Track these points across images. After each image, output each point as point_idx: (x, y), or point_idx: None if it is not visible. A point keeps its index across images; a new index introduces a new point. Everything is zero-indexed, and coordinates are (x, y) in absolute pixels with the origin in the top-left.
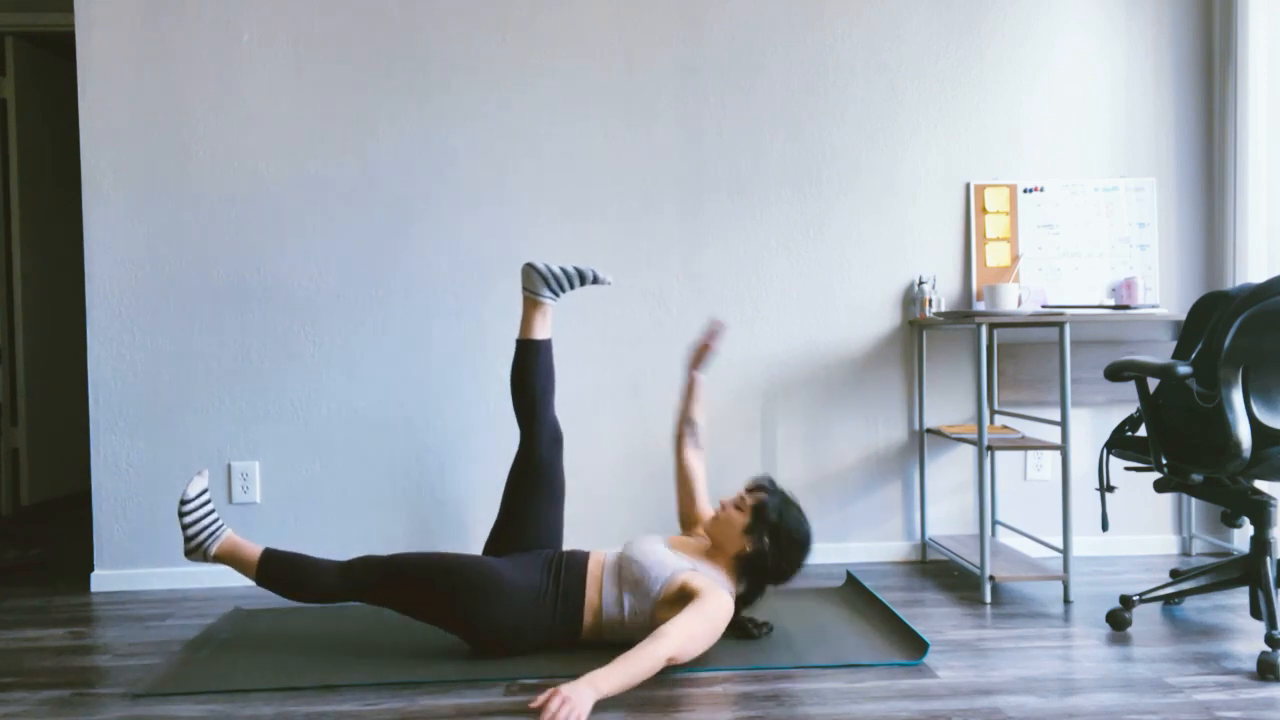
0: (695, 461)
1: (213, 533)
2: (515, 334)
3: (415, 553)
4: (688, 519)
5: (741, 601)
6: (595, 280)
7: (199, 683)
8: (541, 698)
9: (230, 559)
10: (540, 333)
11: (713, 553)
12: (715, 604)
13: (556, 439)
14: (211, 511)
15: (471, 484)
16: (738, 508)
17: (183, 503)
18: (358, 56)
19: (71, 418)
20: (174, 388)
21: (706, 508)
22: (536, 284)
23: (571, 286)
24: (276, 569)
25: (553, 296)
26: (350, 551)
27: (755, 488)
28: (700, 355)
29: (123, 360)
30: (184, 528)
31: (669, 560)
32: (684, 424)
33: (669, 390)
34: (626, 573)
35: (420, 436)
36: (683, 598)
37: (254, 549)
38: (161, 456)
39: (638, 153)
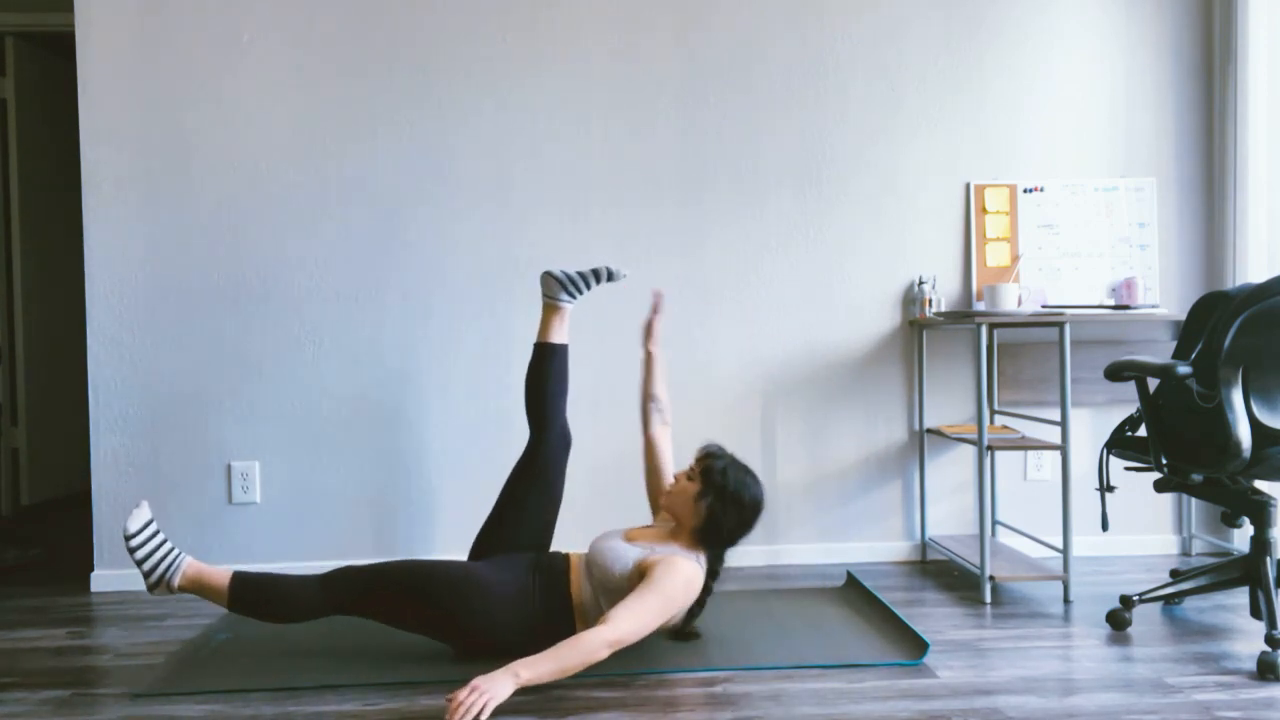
0: (662, 437)
1: (171, 563)
2: (515, 333)
3: (396, 561)
4: (656, 499)
5: (711, 575)
6: (610, 277)
7: (199, 683)
8: (456, 692)
9: (197, 587)
10: (557, 337)
11: (676, 532)
12: (667, 575)
13: (565, 443)
14: (164, 541)
15: (471, 484)
16: (689, 477)
17: (128, 538)
18: (358, 56)
19: (71, 418)
20: (174, 388)
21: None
22: (555, 290)
23: (589, 287)
24: (250, 592)
25: (570, 300)
26: (349, 553)
27: (703, 455)
28: (650, 329)
29: (123, 360)
30: (138, 564)
31: (626, 553)
32: (647, 400)
33: (670, 389)
34: (595, 575)
35: (420, 436)
36: (642, 579)
37: (222, 574)
38: (161, 456)
39: (637, 152)
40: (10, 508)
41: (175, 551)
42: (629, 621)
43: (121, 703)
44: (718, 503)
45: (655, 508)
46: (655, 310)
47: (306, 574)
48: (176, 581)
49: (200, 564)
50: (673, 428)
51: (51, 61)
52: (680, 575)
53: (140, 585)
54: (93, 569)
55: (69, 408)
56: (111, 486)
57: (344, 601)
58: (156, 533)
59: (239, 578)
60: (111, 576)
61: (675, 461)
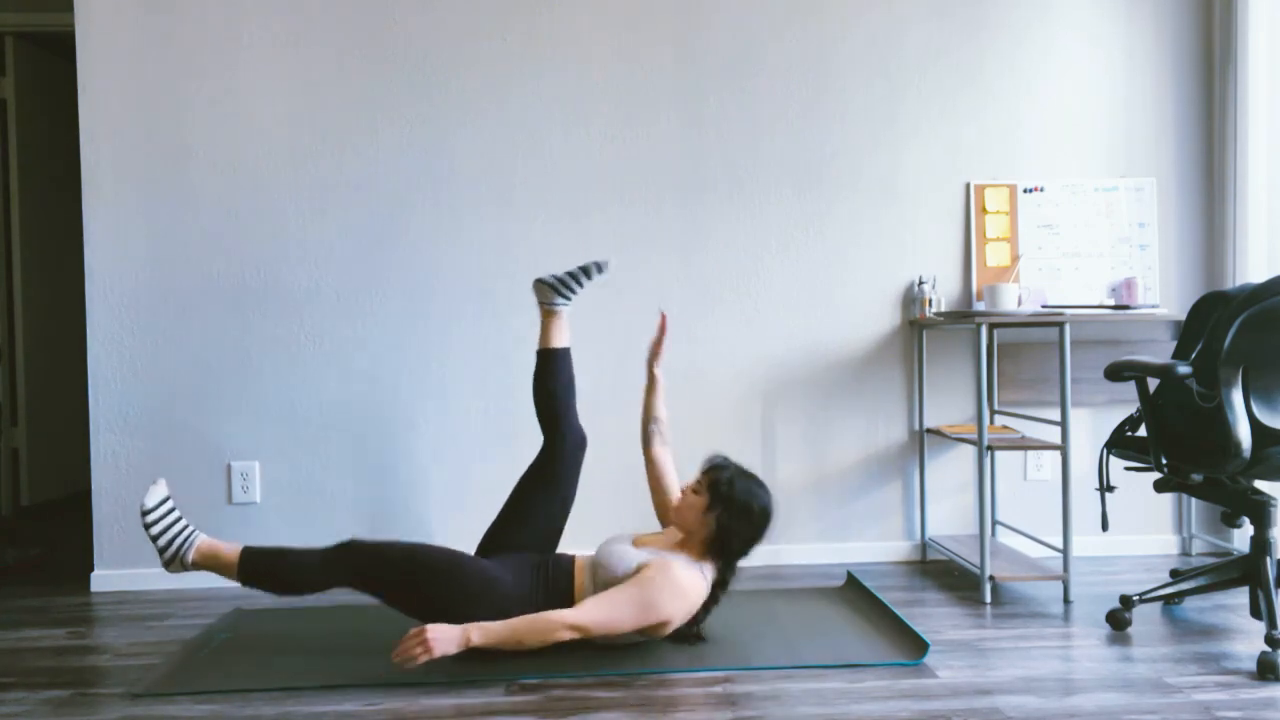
0: (663, 456)
1: (186, 539)
2: (516, 333)
3: (404, 544)
4: (664, 514)
5: (720, 585)
6: (599, 270)
7: (199, 683)
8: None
9: (209, 563)
10: (558, 341)
11: (685, 542)
12: (654, 578)
13: (580, 444)
14: (179, 519)
15: (471, 484)
16: (695, 491)
17: (144, 513)
18: (358, 56)
19: (71, 418)
20: (174, 388)
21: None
22: (548, 295)
23: (580, 285)
24: (259, 565)
25: (565, 302)
26: None
27: (709, 468)
28: (655, 351)
29: (123, 360)
30: (153, 539)
31: (631, 557)
32: (649, 421)
33: (669, 391)
34: (599, 576)
35: (420, 436)
36: None
37: (233, 548)
38: (161, 456)
39: (637, 152)
40: (10, 508)
41: (189, 528)
42: (597, 611)
43: (121, 703)
44: (726, 515)
45: (663, 520)
46: (661, 332)
47: (313, 548)
48: (190, 557)
49: (213, 540)
50: (675, 429)
51: (51, 61)
52: (670, 581)
53: (140, 585)
54: (93, 569)
55: (69, 408)
56: (111, 486)
57: (344, 579)
58: (172, 509)
59: (249, 551)
60: (111, 576)
61: (680, 473)
